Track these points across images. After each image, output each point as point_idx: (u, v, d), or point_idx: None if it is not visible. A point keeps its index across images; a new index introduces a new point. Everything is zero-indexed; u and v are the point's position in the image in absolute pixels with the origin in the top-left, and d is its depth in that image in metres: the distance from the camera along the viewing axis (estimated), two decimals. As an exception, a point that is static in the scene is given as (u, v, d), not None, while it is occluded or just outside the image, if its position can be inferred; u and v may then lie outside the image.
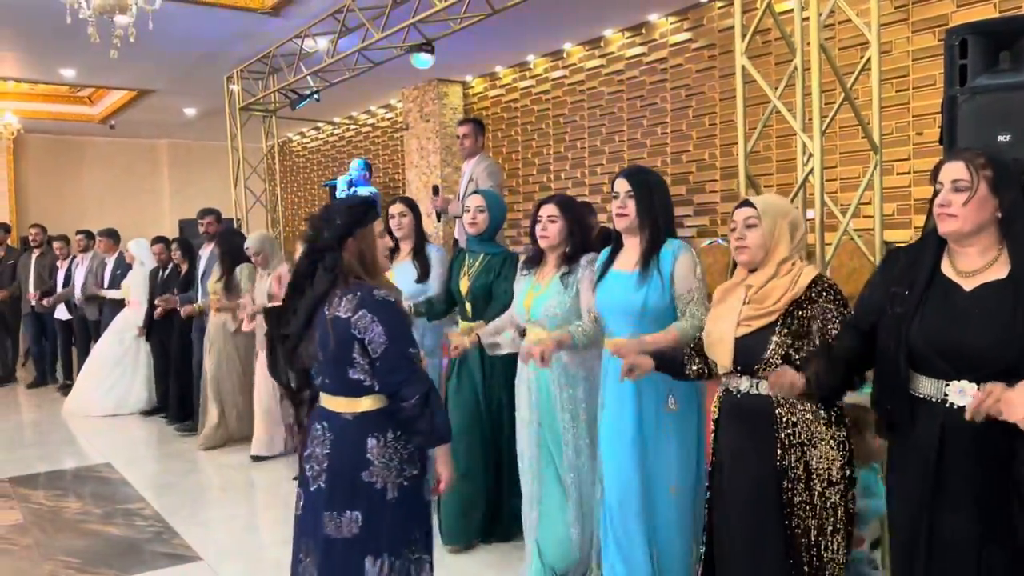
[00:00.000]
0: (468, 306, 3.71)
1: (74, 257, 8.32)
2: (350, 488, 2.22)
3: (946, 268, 1.96)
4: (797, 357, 2.19)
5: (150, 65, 8.74)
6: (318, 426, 2.31)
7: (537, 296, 3.19)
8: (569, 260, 3.17)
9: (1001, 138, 3.17)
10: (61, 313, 8.35)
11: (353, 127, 12.05)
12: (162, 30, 6.37)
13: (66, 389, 7.89)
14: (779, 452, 2.22)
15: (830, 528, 2.21)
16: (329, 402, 2.30)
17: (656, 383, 2.70)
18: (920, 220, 5.47)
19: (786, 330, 2.22)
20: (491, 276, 3.64)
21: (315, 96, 7.87)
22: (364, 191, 7.94)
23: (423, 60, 6.55)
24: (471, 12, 5.60)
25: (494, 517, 3.79)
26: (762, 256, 2.30)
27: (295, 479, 4.63)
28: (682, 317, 2.72)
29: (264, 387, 5.51)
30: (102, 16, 5.27)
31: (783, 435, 2.22)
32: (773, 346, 2.22)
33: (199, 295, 6.24)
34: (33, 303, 8.43)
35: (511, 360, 3.44)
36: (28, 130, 12.22)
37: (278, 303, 5.17)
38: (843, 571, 2.24)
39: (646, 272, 2.74)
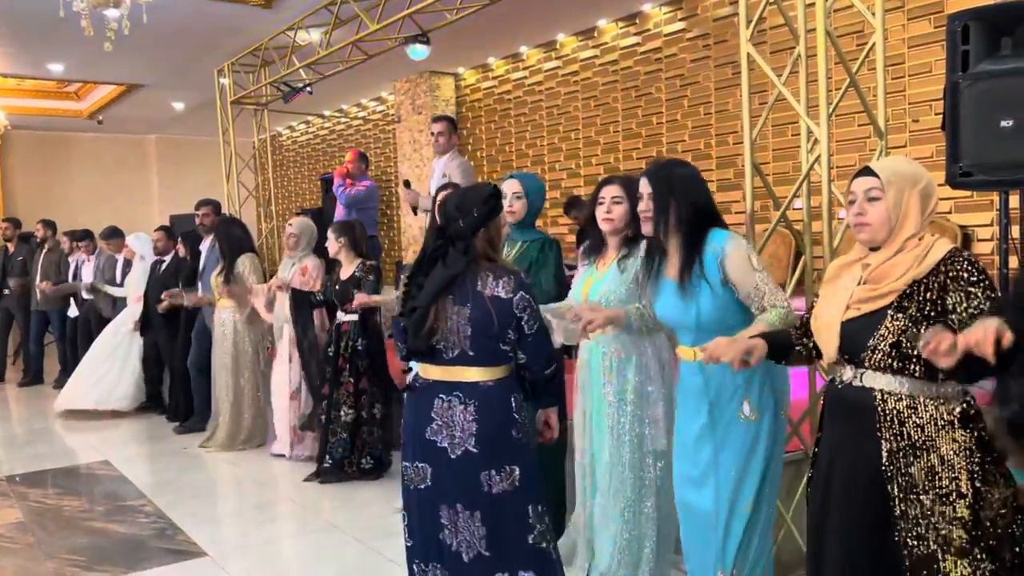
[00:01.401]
0: None
1: (80, 256, 8.23)
2: (506, 446, 2.43)
3: None
4: (910, 346, 1.87)
5: (139, 59, 8.67)
6: (446, 398, 2.44)
7: (595, 283, 3.00)
8: (629, 243, 2.96)
9: (1003, 123, 3.18)
10: (72, 311, 8.28)
11: (344, 120, 11.99)
12: (152, 23, 6.31)
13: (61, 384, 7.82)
14: (884, 456, 1.93)
15: (953, 550, 1.86)
16: (463, 373, 2.44)
17: (731, 387, 2.47)
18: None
19: (901, 314, 1.90)
20: (527, 263, 3.45)
21: (308, 89, 7.83)
22: (362, 185, 7.86)
23: (419, 51, 6.52)
24: (467, 2, 5.57)
25: None
26: (886, 233, 1.97)
27: (306, 480, 4.69)
28: (763, 313, 2.41)
29: (278, 387, 5.37)
30: (95, 9, 5.21)
31: (888, 435, 1.93)
32: (883, 331, 1.92)
33: (199, 291, 6.09)
34: (39, 296, 8.35)
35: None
36: (15, 126, 12.10)
37: (306, 288, 5.15)
38: None
39: (689, 283, 2.46)
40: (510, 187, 3.50)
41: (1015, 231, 3.93)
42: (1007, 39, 3.24)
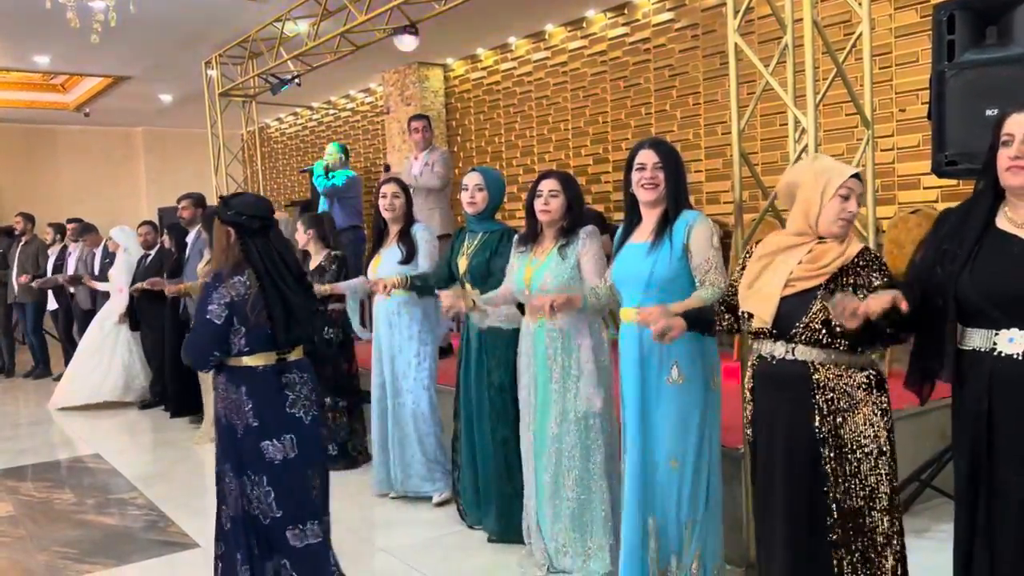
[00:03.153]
0: (467, 286, 3.68)
1: (65, 246, 8.20)
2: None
3: (1002, 222, 1.97)
4: (836, 325, 2.09)
5: (126, 51, 8.60)
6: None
7: (536, 269, 3.20)
8: (567, 233, 3.18)
9: (988, 112, 3.20)
10: (51, 304, 8.25)
11: (332, 112, 11.95)
12: (139, 15, 6.28)
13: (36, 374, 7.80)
14: (817, 420, 2.16)
15: (880, 505, 2.15)
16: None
17: (660, 354, 2.71)
18: (905, 196, 5.54)
19: (829, 295, 2.13)
20: (488, 253, 3.62)
21: (296, 80, 7.79)
22: (341, 175, 7.86)
23: (407, 42, 6.51)
24: (456, -7, 5.55)
25: (504, 514, 3.62)
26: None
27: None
28: (701, 287, 2.68)
29: None
30: (81, 1, 5.18)
31: (820, 401, 2.16)
32: (815, 310, 2.15)
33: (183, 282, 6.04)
34: (16, 289, 8.32)
35: (512, 339, 3.46)
36: (0, 119, 12.00)
37: None
38: (898, 545, 2.17)
39: (658, 242, 2.73)
40: (472, 179, 3.66)
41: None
42: (992, 28, 3.26)
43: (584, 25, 7.92)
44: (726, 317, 2.46)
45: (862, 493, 2.14)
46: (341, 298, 4.84)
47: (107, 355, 6.98)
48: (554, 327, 3.14)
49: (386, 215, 4.34)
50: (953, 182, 4.91)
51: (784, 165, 3.16)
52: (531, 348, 3.25)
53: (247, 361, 2.60)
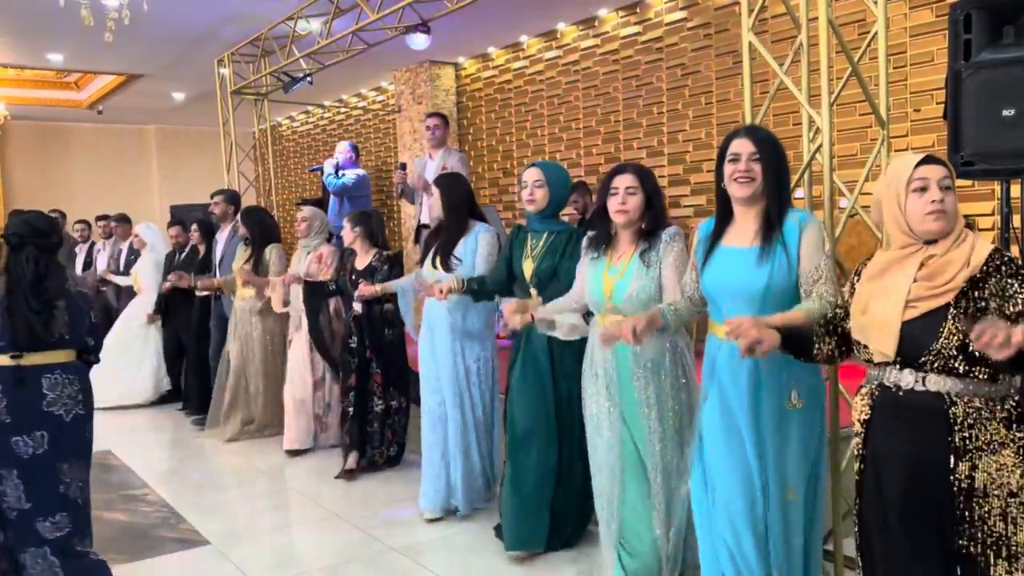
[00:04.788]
0: (533, 291, 3.38)
1: (94, 243, 8.16)
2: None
3: None
4: (976, 351, 1.78)
5: (139, 49, 8.64)
6: None
7: (617, 280, 2.84)
8: (647, 235, 2.84)
9: (1005, 113, 3.18)
10: None
11: (343, 110, 11.97)
12: (153, 13, 6.30)
13: None
14: (952, 460, 1.88)
15: (1007, 552, 1.87)
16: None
17: (778, 375, 2.37)
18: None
19: (962, 314, 1.85)
20: (556, 256, 3.33)
21: (308, 79, 7.81)
22: (351, 174, 7.87)
23: (419, 41, 6.51)
24: (468, -9, 5.56)
25: (558, 524, 3.48)
26: (953, 224, 1.95)
27: (337, 476, 4.68)
28: (807, 298, 2.33)
29: (298, 377, 5.30)
30: (95, -1, 5.20)
31: (958, 439, 1.87)
32: (947, 333, 1.86)
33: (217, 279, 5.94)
34: None
35: (582, 347, 3.13)
36: (15, 116, 12.07)
37: (319, 278, 5.08)
38: None
39: (768, 247, 2.36)
40: (531, 175, 3.38)
41: (1016, 220, 3.93)
42: (1009, 28, 3.23)
43: (596, 24, 7.90)
44: (828, 342, 2.12)
45: (989, 540, 1.88)
46: (392, 297, 4.53)
47: (135, 357, 6.85)
48: (639, 351, 2.82)
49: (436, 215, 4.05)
50: (968, 183, 4.87)
51: (796, 165, 3.13)
52: (612, 367, 2.92)
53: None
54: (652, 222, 2.83)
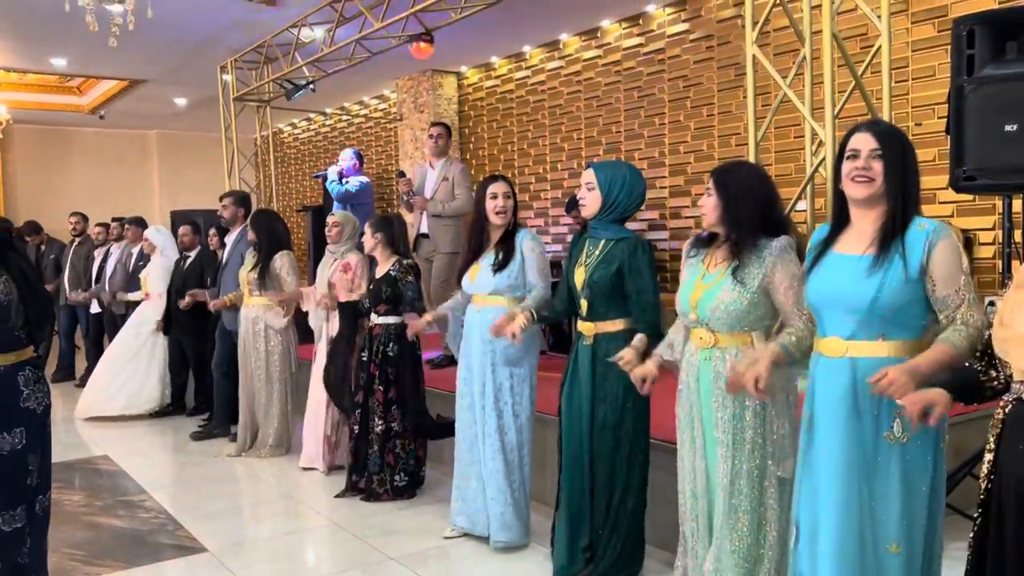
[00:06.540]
0: (584, 303, 3.12)
1: (108, 247, 8.11)
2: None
3: None
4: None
5: (142, 54, 8.66)
6: None
7: (708, 289, 2.54)
8: (738, 250, 2.50)
9: (1008, 128, 3.19)
10: (93, 307, 8.19)
11: (345, 118, 11.99)
12: (156, 19, 6.31)
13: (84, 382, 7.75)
14: None
15: None
16: None
17: (878, 402, 2.06)
18: (926, 210, 5.49)
19: None
20: (614, 267, 3.05)
21: (311, 86, 7.83)
22: (355, 181, 7.88)
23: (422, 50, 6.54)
24: (471, 1, 5.57)
25: (595, 556, 3.20)
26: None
27: (337, 496, 4.55)
28: (950, 327, 2.03)
29: (314, 393, 5.04)
30: (100, 4, 5.21)
31: None
32: None
33: (220, 287, 5.76)
34: (68, 298, 8.31)
35: (624, 374, 2.87)
36: (16, 120, 12.09)
37: (354, 297, 4.69)
38: None
39: (884, 256, 2.07)
40: (583, 177, 3.15)
41: (1018, 235, 3.94)
42: (1012, 43, 3.25)
43: (599, 35, 7.93)
44: (993, 376, 1.88)
45: None
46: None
47: (143, 364, 6.68)
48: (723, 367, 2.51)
49: (498, 220, 3.62)
50: (970, 197, 4.88)
51: (799, 177, 3.14)
52: (695, 382, 2.62)
53: None
54: (740, 233, 2.49)
